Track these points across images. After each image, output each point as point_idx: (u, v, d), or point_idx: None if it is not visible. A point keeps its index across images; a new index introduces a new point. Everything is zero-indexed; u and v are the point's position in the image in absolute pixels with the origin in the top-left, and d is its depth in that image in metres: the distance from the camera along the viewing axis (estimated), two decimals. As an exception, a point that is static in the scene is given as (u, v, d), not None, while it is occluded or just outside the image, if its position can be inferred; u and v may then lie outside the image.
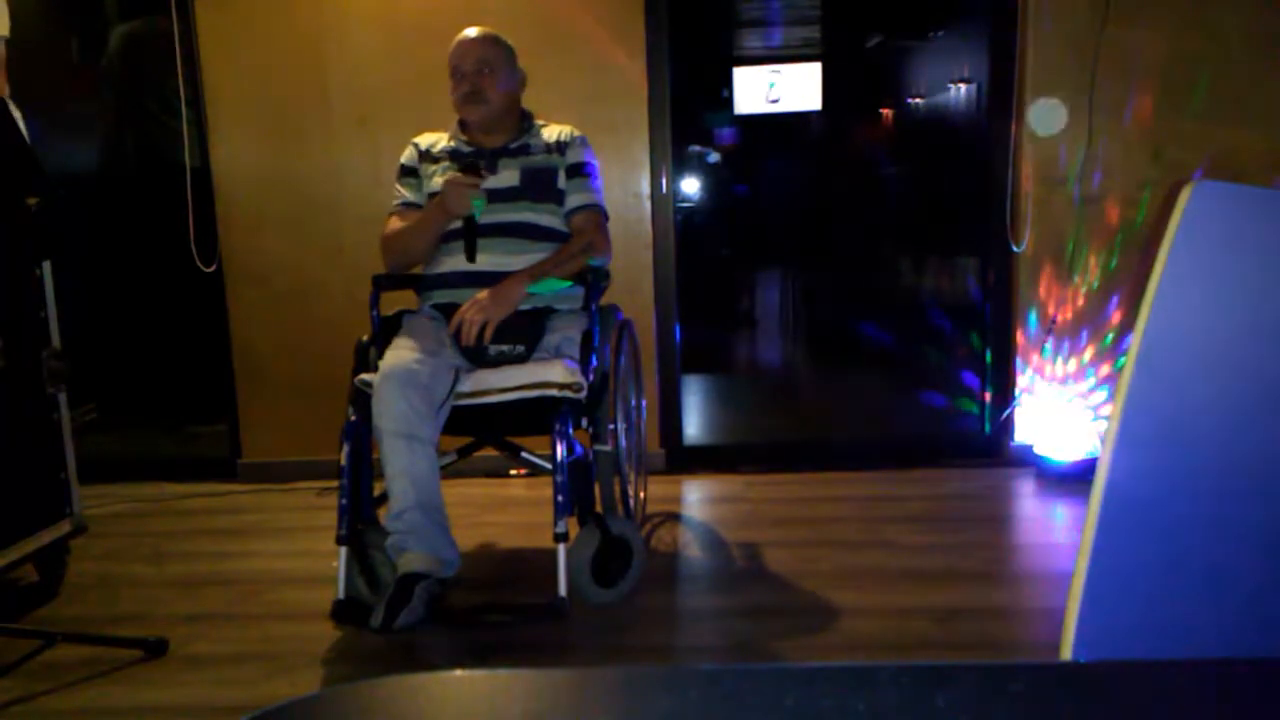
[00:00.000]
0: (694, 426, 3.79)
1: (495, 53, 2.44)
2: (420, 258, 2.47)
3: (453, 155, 2.49)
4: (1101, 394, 3.26)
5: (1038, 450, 3.25)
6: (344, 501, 2.19)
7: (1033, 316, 3.27)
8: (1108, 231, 3.18)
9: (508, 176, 2.44)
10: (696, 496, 3.23)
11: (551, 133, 2.51)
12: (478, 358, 2.30)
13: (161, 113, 3.71)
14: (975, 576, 2.43)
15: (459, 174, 2.34)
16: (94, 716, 1.91)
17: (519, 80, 2.51)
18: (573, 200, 2.46)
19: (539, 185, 2.44)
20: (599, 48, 3.22)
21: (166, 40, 3.25)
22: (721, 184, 6.22)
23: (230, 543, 2.90)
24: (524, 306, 2.38)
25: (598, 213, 2.48)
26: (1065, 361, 3.28)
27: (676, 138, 3.35)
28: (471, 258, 2.35)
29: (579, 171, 2.48)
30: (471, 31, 2.46)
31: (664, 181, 3.31)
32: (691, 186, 5.96)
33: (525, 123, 2.53)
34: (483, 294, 2.29)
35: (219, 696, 1.97)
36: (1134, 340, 0.73)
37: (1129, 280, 3.21)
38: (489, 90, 2.42)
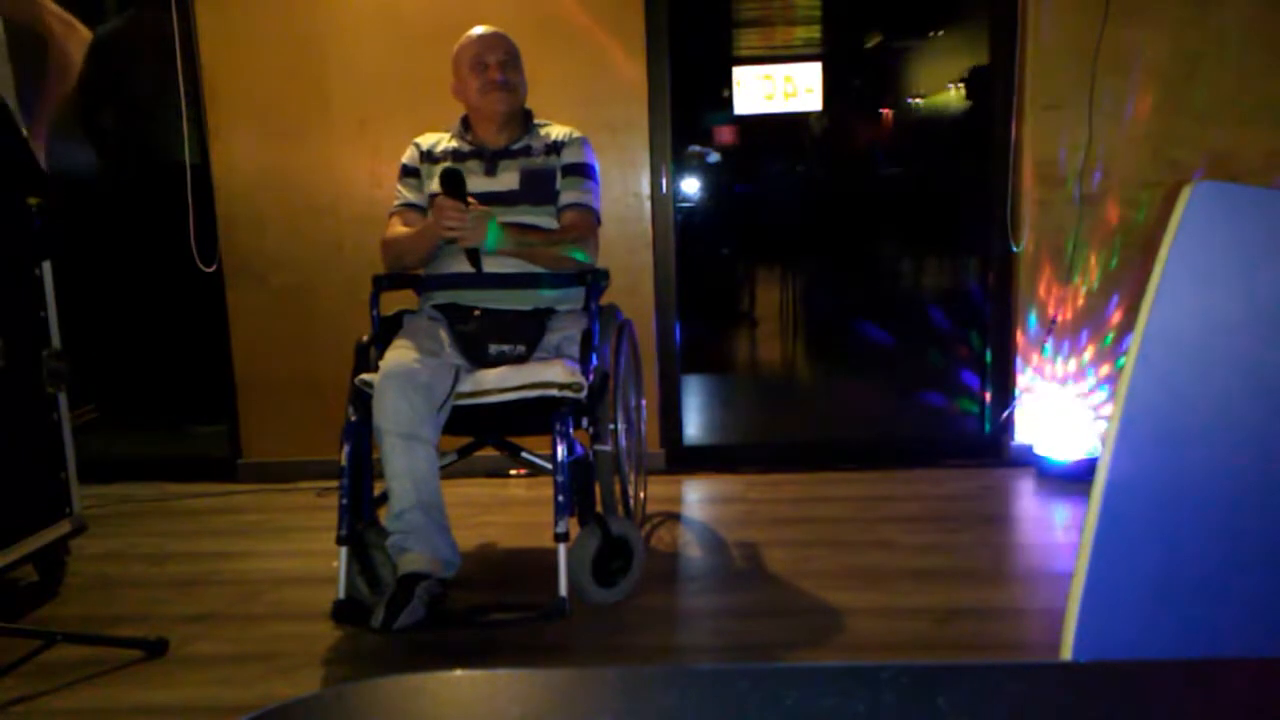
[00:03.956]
0: (694, 426, 3.78)
1: (515, 49, 2.47)
2: (418, 265, 2.46)
3: (455, 155, 2.48)
4: (1101, 394, 3.26)
5: (1038, 450, 3.25)
6: (344, 501, 2.19)
7: (1033, 316, 3.27)
8: (1108, 231, 3.18)
9: (508, 179, 2.44)
10: (696, 496, 3.23)
11: (552, 133, 2.51)
12: (478, 358, 2.30)
13: (162, 113, 3.70)
14: (975, 576, 2.43)
15: (443, 197, 2.24)
16: (94, 716, 1.91)
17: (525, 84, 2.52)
18: (565, 198, 2.45)
19: (538, 187, 2.44)
20: (599, 48, 3.22)
21: (164, 37, 3.24)
22: (721, 184, 6.21)
23: (230, 543, 2.90)
24: (524, 307, 2.38)
25: (589, 213, 2.46)
26: (1065, 361, 3.28)
27: (676, 138, 3.35)
28: (477, 268, 2.31)
29: (574, 171, 2.47)
30: (486, 28, 2.47)
31: (664, 181, 3.31)
32: (691, 186, 5.95)
33: (527, 123, 2.53)
34: (484, 212, 2.26)
35: (219, 696, 1.97)
36: (1134, 340, 0.73)
37: (1129, 280, 3.20)
38: (515, 81, 2.45)
